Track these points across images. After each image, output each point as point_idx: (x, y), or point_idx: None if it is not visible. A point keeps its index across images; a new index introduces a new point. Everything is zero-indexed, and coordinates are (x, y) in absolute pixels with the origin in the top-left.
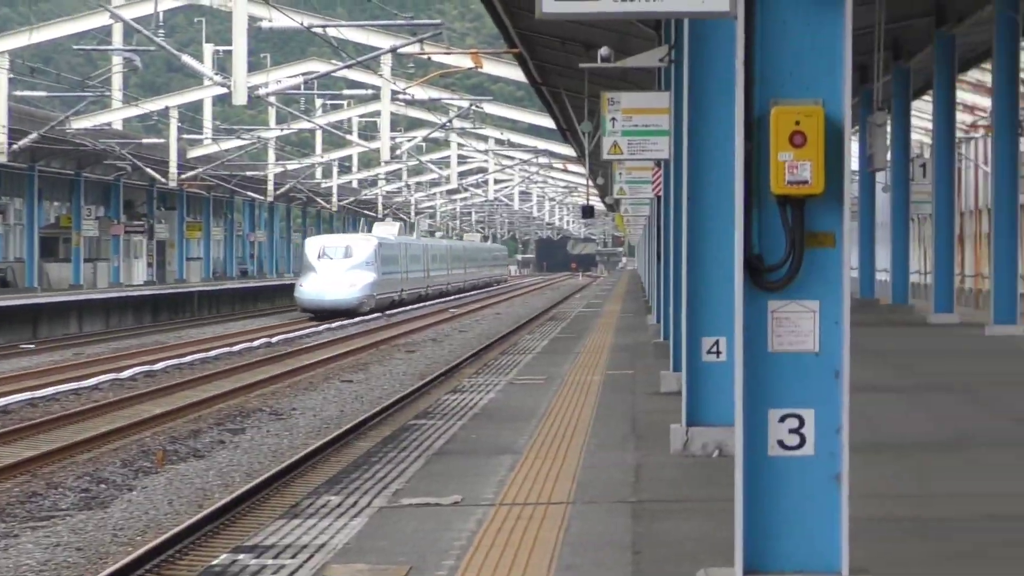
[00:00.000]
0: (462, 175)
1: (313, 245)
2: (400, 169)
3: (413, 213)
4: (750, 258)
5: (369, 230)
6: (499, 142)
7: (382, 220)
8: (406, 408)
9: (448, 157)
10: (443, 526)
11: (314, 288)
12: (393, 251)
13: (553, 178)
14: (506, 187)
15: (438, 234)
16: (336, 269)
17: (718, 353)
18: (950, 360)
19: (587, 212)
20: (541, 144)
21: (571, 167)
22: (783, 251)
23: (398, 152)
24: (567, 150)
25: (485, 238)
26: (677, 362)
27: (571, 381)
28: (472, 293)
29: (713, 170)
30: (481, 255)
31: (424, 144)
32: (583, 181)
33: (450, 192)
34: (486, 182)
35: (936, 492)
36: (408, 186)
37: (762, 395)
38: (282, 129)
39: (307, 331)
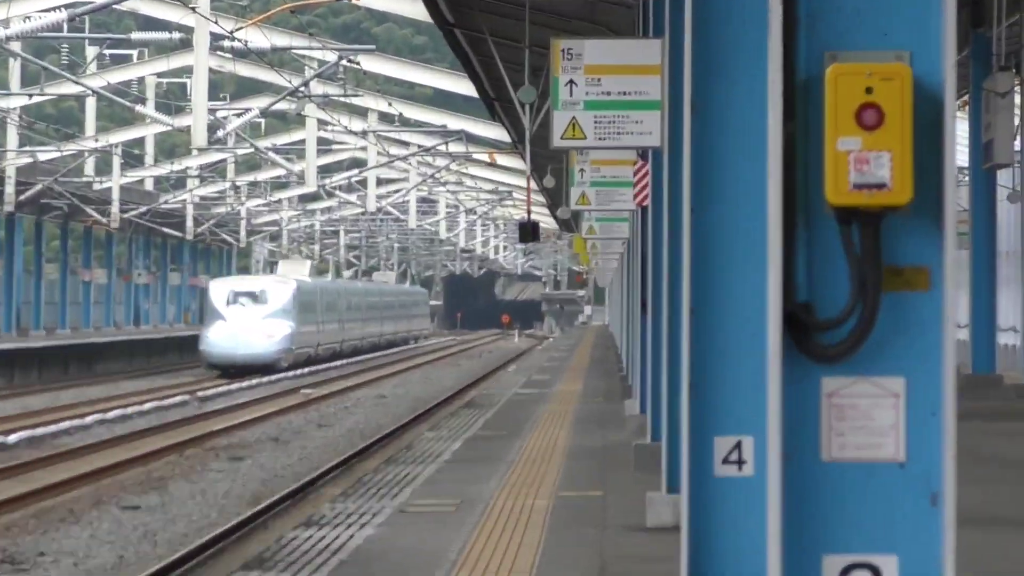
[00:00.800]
0: (325, 171)
1: (220, 289)
2: (224, 162)
3: (244, 231)
4: (793, 309)
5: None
6: (386, 119)
7: (287, 256)
8: (227, 554)
9: (302, 143)
10: None
11: (224, 339)
12: (311, 296)
13: (473, 177)
14: (397, 191)
15: (346, 274)
16: (250, 317)
17: (740, 463)
18: None
19: (528, 232)
20: (454, 123)
21: (503, 160)
22: (846, 298)
23: (220, 133)
24: (496, 132)
25: (404, 278)
26: (674, 478)
27: (500, 508)
28: (339, 365)
29: (732, 167)
30: (401, 301)
31: (263, 121)
32: (521, 183)
33: (306, 199)
34: (363, 183)
35: None
36: (236, 188)
37: (814, 532)
38: (30, 96)
39: (66, 424)
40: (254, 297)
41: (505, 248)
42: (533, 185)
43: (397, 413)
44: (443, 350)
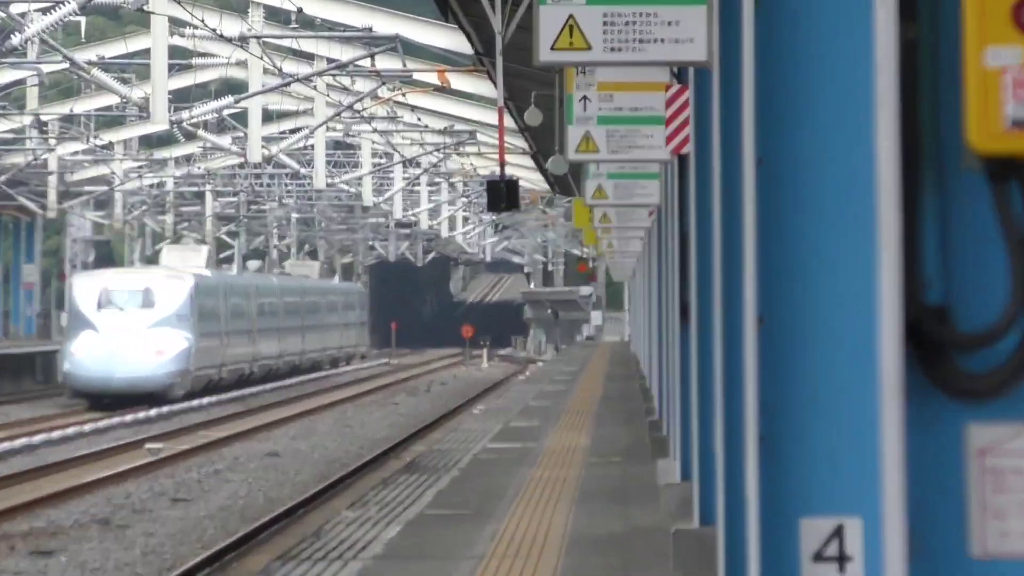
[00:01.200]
0: (182, 100)
1: (87, 286)
2: (21, 84)
3: (54, 192)
4: (920, 316)
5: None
6: (276, 18)
7: (175, 239)
8: None
9: (146, 56)
10: None
11: (95, 357)
12: (213, 297)
13: (416, 111)
14: (295, 132)
15: (252, 265)
16: (131, 326)
17: (842, 560)
18: None
19: (501, 196)
20: (384, 24)
21: (460, 83)
22: (1004, 298)
23: (16, 40)
24: (449, 39)
25: (331, 271)
26: None
27: None
28: (205, 405)
29: (820, 94)
30: (330, 303)
31: (84, 21)
32: (491, 119)
33: (152, 143)
34: (242, 118)
35: None
36: (42, 127)
37: None
38: None
39: None
40: (136, 298)
41: (466, 221)
42: (509, 123)
43: (298, 481)
44: (369, 380)
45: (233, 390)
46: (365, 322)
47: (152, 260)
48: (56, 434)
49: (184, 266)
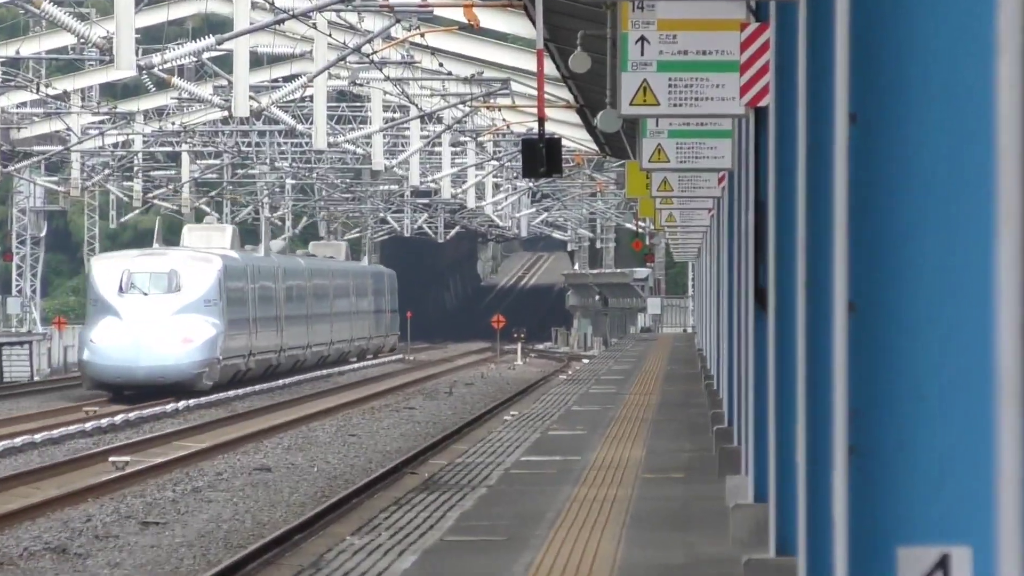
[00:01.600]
0: (152, 41)
1: (109, 268)
2: None
3: None
4: None
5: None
6: None
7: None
8: None
9: None
10: None
11: (118, 345)
12: (241, 281)
13: (436, 54)
14: (289, 80)
15: (275, 246)
16: (156, 312)
17: None
18: None
19: (539, 158)
20: None
21: (489, 19)
22: None
23: None
24: None
25: (358, 253)
26: None
27: None
28: (181, 410)
29: (931, 34)
30: (359, 287)
31: None
32: (528, 65)
33: (115, 93)
34: (225, 63)
35: None
36: None
37: None
38: None
39: None
40: (161, 281)
41: (497, 188)
42: (550, 69)
43: (294, 500)
44: (380, 380)
45: (264, 381)
46: (396, 309)
47: (115, 236)
48: (0, 445)
49: (208, 246)
